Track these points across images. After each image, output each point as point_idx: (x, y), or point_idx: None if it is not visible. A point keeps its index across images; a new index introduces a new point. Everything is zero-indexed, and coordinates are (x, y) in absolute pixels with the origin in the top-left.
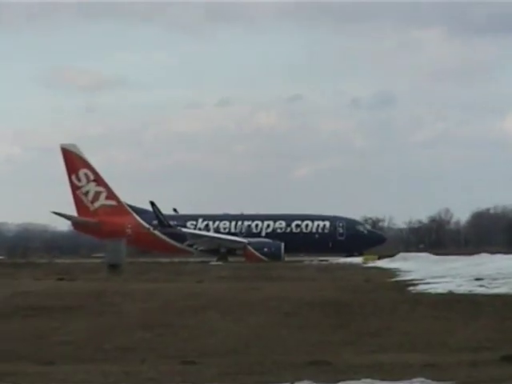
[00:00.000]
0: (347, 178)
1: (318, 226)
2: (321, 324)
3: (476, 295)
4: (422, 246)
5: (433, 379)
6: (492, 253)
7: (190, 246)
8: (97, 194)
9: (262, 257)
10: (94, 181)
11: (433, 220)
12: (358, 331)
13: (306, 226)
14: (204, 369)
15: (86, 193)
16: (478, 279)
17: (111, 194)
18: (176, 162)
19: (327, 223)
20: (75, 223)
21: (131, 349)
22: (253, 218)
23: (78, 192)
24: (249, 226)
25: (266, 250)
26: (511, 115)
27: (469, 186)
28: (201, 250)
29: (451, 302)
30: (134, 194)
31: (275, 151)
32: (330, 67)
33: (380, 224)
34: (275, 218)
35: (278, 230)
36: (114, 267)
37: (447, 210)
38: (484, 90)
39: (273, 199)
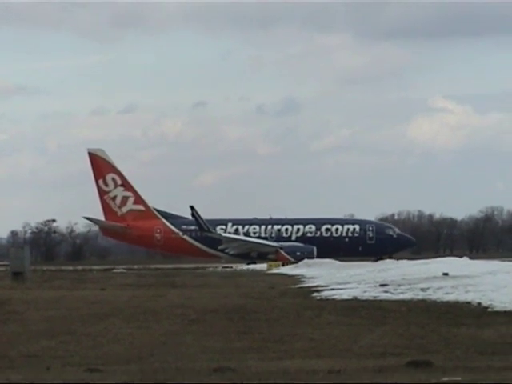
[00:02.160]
0: (252, 184)
1: (348, 229)
2: (225, 331)
3: (381, 301)
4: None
5: None
6: (397, 259)
7: (222, 250)
8: (124, 199)
9: (295, 261)
10: (121, 185)
11: None
12: (262, 338)
13: (336, 229)
14: (109, 376)
15: (114, 197)
16: (382, 285)
17: (139, 199)
18: (80, 169)
19: (357, 227)
20: (103, 228)
21: (36, 356)
22: (282, 222)
23: (105, 197)
24: (279, 230)
25: (298, 254)
26: (417, 122)
27: (374, 191)
28: (231, 255)
29: (356, 307)
30: (38, 201)
31: (180, 158)
32: (235, 74)
33: None
34: (305, 222)
35: (308, 234)
36: (17, 275)
37: (351, 216)
38: (391, 97)
39: (178, 205)
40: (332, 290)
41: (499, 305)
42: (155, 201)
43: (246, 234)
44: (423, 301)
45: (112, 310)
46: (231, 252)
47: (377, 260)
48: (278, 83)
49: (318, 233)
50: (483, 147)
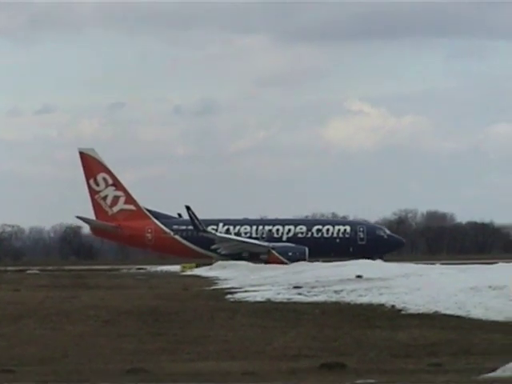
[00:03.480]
0: (169, 185)
1: (339, 230)
2: (139, 332)
3: (295, 303)
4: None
5: None
6: (311, 261)
7: (214, 250)
8: (115, 199)
9: (287, 261)
10: (112, 185)
11: None
12: (176, 339)
13: (327, 230)
14: (22, 377)
15: (105, 197)
16: (296, 287)
17: (130, 199)
18: None
19: (348, 228)
20: (94, 228)
21: None
22: (274, 222)
23: (96, 196)
24: (270, 230)
25: (290, 254)
26: (334, 124)
27: (289, 193)
28: (223, 255)
29: (270, 310)
30: None
31: None
32: (153, 75)
33: None
34: (296, 222)
35: (300, 235)
36: None
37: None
38: (308, 98)
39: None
40: (246, 292)
41: (413, 307)
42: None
43: (237, 234)
44: (337, 303)
45: (26, 311)
46: (223, 252)
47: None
48: (196, 84)
49: (309, 233)
50: (398, 149)
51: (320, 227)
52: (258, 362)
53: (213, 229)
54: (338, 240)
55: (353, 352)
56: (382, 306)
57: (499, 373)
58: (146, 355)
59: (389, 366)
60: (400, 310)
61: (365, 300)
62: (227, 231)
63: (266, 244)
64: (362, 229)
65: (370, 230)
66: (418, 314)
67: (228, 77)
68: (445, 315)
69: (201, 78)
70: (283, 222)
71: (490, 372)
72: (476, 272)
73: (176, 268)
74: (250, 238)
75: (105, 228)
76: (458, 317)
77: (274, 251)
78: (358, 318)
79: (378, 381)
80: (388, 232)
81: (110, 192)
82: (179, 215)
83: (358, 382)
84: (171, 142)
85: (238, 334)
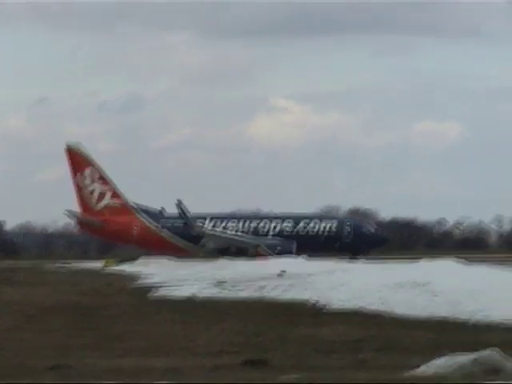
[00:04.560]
0: None
1: (325, 226)
2: (63, 328)
3: (218, 299)
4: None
5: (175, 383)
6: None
7: (202, 245)
8: (102, 194)
9: (275, 256)
10: (99, 180)
11: None
12: (100, 335)
13: (313, 226)
14: None
15: (91, 192)
16: (219, 283)
17: (116, 194)
18: None
19: (334, 224)
20: (80, 222)
21: None
22: (260, 217)
23: (82, 191)
24: (256, 226)
25: (278, 249)
26: (259, 120)
27: (214, 189)
28: (210, 250)
29: (193, 305)
30: None
31: (21, 154)
32: (79, 70)
33: None
34: (283, 217)
35: (286, 231)
36: None
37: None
38: (234, 95)
39: (19, 203)
40: (169, 287)
41: (336, 303)
42: None
43: (224, 229)
44: (260, 299)
45: None
46: (210, 247)
47: (352, 257)
48: (123, 80)
49: (295, 229)
50: (323, 146)
51: (306, 223)
52: (181, 357)
53: (201, 223)
54: (324, 236)
55: (276, 348)
56: (305, 302)
57: (422, 369)
58: (69, 351)
59: (312, 362)
60: (324, 306)
61: (288, 296)
62: (214, 226)
63: (254, 239)
64: (348, 225)
65: (357, 226)
66: (342, 311)
67: (154, 73)
68: (369, 311)
69: (127, 74)
70: (270, 218)
71: (413, 368)
72: (400, 269)
73: (100, 264)
74: (237, 232)
75: (91, 223)
76: (382, 313)
77: (262, 246)
78: (282, 314)
79: (301, 377)
80: (374, 228)
81: (97, 187)
82: (162, 210)
83: (281, 377)
84: (96, 137)
85: (162, 329)
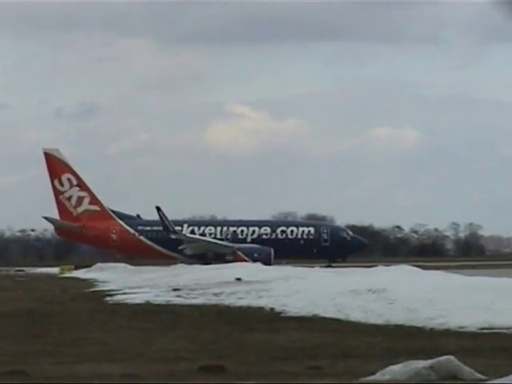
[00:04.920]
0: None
1: (303, 232)
2: (18, 334)
3: (174, 305)
4: (119, 256)
5: None
6: (190, 263)
7: (180, 251)
8: (80, 199)
9: (253, 262)
10: (77, 185)
11: None
12: (55, 341)
13: (292, 231)
14: None
15: (69, 198)
16: (175, 289)
17: (94, 199)
18: None
19: (312, 229)
20: (58, 228)
21: None
22: (238, 223)
23: (60, 197)
24: (234, 231)
25: (256, 255)
26: (215, 126)
27: (170, 195)
28: (188, 256)
29: (149, 312)
30: None
31: None
32: (35, 77)
33: None
34: (260, 224)
35: (264, 236)
36: None
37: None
38: (189, 101)
39: None
40: (125, 294)
41: (292, 310)
42: None
43: (202, 234)
44: (216, 306)
45: None
46: (188, 253)
47: (329, 263)
48: (78, 87)
49: (274, 235)
50: (279, 152)
51: (284, 228)
52: (137, 364)
53: (178, 229)
54: (302, 241)
55: (232, 355)
56: (261, 308)
57: (378, 376)
58: (25, 357)
59: (268, 369)
60: (279, 313)
61: (244, 303)
62: (192, 232)
63: (231, 245)
64: (325, 230)
65: (334, 231)
66: (298, 317)
67: (110, 80)
68: (324, 318)
69: (83, 80)
70: (248, 223)
71: (369, 375)
72: (355, 275)
73: (55, 270)
74: (215, 238)
75: (69, 228)
76: (338, 320)
77: (239, 252)
78: (237, 320)
79: (257, 383)
80: (351, 234)
81: (75, 192)
82: (138, 216)
83: None
84: (52, 144)
85: (117, 336)
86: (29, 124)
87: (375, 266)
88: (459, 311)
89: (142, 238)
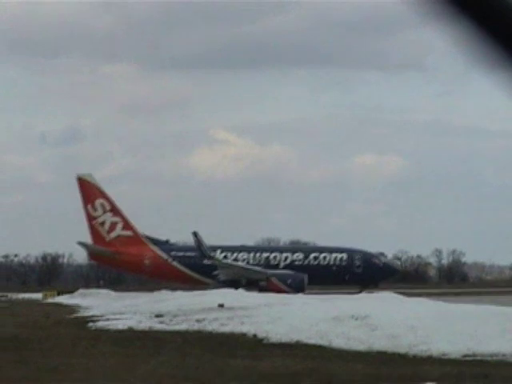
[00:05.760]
0: (28, 214)
1: (336, 258)
2: (0, 360)
3: (157, 332)
4: (102, 282)
5: None
6: (173, 289)
7: (213, 276)
8: (113, 225)
9: (286, 288)
10: (110, 211)
11: None
12: (37, 367)
13: (324, 258)
14: None
15: (103, 223)
16: (158, 316)
17: (127, 225)
18: None
19: (344, 255)
20: (92, 253)
21: None
22: (271, 249)
23: (93, 222)
24: (267, 257)
25: (289, 281)
26: (199, 152)
27: (152, 221)
28: (221, 281)
29: (132, 338)
30: None
31: None
32: (18, 102)
33: (59, 260)
34: (293, 250)
35: (296, 262)
36: None
37: None
38: (174, 127)
39: None
40: (108, 320)
41: (274, 336)
42: None
43: (235, 260)
44: (199, 332)
45: None
46: (222, 278)
47: (361, 289)
48: (62, 112)
49: (306, 261)
50: (263, 179)
51: (317, 255)
52: None
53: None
54: (334, 267)
55: (214, 381)
56: (243, 335)
57: None
58: (7, 383)
59: None
60: (262, 340)
61: (227, 329)
62: (225, 257)
63: (266, 271)
64: (358, 257)
65: (367, 258)
66: (280, 344)
67: (93, 105)
68: (306, 345)
69: (66, 105)
70: (281, 249)
71: None
72: (338, 302)
73: (38, 296)
74: (248, 264)
75: (102, 253)
76: (320, 346)
77: (273, 278)
78: (220, 346)
79: None
80: (384, 260)
81: (108, 218)
82: (167, 241)
83: None
84: (35, 169)
85: (100, 362)
86: (11, 149)
87: (358, 293)
88: (442, 338)
89: (175, 263)
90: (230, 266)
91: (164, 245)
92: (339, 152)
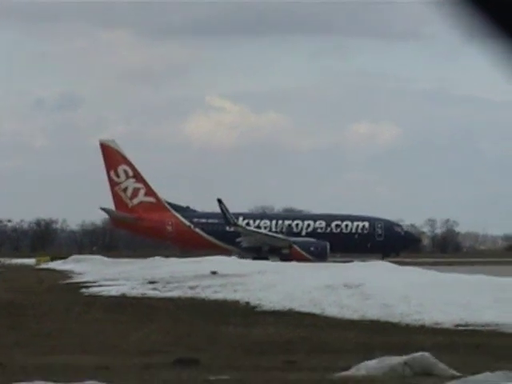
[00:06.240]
0: (22, 180)
1: (358, 226)
2: None
3: (149, 298)
4: (95, 248)
5: (105, 382)
6: (166, 256)
7: (236, 244)
8: (135, 191)
9: (309, 256)
10: (133, 177)
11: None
12: (30, 333)
13: (346, 226)
14: None
15: (125, 189)
16: (151, 282)
17: (150, 191)
18: None
19: (366, 224)
20: (114, 219)
21: None
22: (293, 217)
23: (116, 188)
24: (289, 225)
25: (312, 249)
26: (195, 119)
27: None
28: (243, 248)
29: (124, 304)
30: None
31: None
32: (16, 67)
33: (53, 226)
34: (315, 217)
35: (319, 230)
36: None
37: None
38: (170, 94)
39: None
40: (100, 286)
41: (267, 304)
42: None
43: (257, 227)
44: (191, 299)
45: None
46: (244, 245)
47: (383, 258)
48: (59, 78)
49: (329, 229)
50: (258, 146)
51: (339, 223)
52: (111, 356)
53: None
54: (356, 236)
55: (206, 348)
56: (236, 302)
57: (353, 371)
58: (0, 348)
59: (242, 363)
60: (255, 307)
61: (219, 296)
62: (247, 225)
63: (288, 238)
64: (380, 225)
65: (388, 226)
66: (273, 311)
67: (91, 71)
68: (300, 313)
69: (64, 71)
70: (302, 217)
71: (343, 370)
72: (332, 270)
73: (31, 261)
74: (270, 232)
75: (125, 219)
76: (313, 314)
77: (295, 246)
78: (213, 314)
79: (231, 377)
80: (405, 229)
81: (130, 184)
82: (187, 207)
83: (211, 378)
84: (31, 134)
85: (93, 328)
86: (8, 114)
87: (351, 261)
88: (435, 308)
89: (197, 230)
90: (253, 233)
91: (186, 211)
92: (335, 120)
